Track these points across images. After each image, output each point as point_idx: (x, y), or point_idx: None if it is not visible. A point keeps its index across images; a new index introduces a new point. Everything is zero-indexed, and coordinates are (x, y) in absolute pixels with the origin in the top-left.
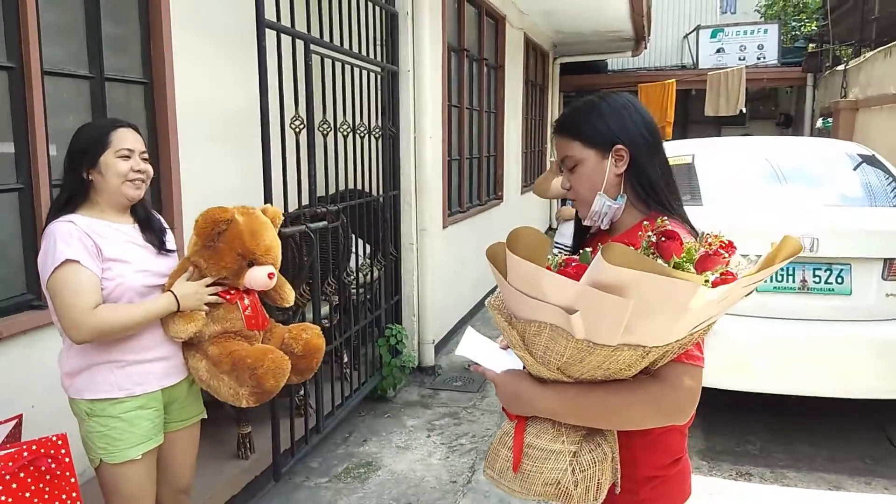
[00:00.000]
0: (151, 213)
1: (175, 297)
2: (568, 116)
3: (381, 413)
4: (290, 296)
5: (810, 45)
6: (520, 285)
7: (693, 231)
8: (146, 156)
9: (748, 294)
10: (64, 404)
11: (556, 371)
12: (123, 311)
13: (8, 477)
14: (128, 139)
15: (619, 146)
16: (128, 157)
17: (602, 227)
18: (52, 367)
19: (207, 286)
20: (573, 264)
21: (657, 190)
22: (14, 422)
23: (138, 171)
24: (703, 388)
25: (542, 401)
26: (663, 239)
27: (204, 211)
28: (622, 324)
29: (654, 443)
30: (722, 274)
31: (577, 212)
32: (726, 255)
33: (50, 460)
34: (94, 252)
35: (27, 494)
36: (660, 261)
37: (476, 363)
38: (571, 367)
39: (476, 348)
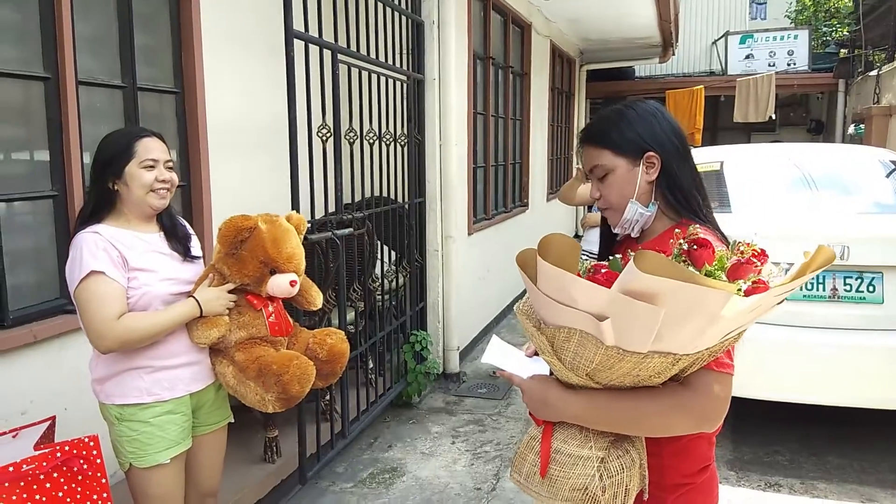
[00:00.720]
0: (177, 221)
1: (197, 302)
2: (596, 125)
3: (405, 419)
4: (317, 299)
5: (842, 50)
6: (550, 291)
7: (724, 239)
8: (171, 164)
9: (780, 303)
10: (95, 407)
11: (584, 377)
12: (147, 319)
13: (42, 477)
14: (152, 149)
15: (651, 153)
16: (152, 167)
17: (632, 235)
18: (83, 371)
19: (230, 292)
20: (603, 271)
21: (689, 197)
22: (47, 423)
23: (163, 181)
24: (732, 397)
25: (570, 406)
26: (695, 247)
27: (227, 219)
28: (653, 331)
29: (682, 450)
30: (754, 283)
31: (603, 219)
32: (758, 263)
33: (82, 461)
34: (120, 262)
35: (60, 494)
36: (691, 268)
37: (502, 370)
38: (600, 374)
39: (501, 357)
